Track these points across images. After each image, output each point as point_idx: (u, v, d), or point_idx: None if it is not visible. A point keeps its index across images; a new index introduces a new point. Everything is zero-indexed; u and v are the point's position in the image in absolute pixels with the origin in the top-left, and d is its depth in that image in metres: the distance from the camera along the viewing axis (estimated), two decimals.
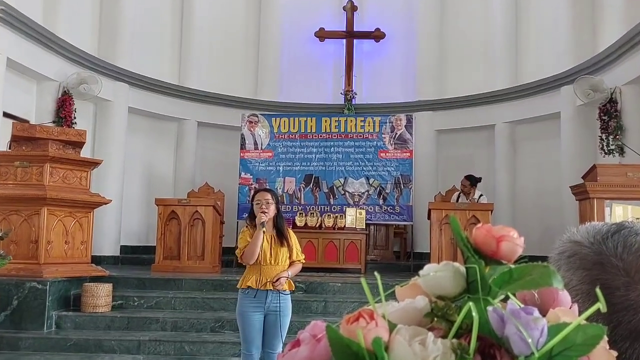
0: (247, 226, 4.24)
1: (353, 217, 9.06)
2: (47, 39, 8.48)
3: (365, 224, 9.21)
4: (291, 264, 4.20)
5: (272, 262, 4.10)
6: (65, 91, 8.89)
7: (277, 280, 4.04)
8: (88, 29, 9.79)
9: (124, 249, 10.04)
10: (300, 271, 4.39)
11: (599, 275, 0.75)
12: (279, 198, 4.36)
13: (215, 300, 6.85)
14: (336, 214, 9.25)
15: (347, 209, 9.34)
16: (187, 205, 8.52)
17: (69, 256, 6.68)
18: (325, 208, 9.75)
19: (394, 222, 10.19)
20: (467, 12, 11.24)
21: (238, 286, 4.19)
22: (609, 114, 8.25)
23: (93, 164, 7.13)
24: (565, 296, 0.54)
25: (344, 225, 8.99)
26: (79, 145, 6.92)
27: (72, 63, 9.07)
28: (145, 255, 9.63)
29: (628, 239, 0.77)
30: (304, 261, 4.32)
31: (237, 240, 4.32)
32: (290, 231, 4.31)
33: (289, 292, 4.18)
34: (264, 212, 4.07)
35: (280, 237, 4.17)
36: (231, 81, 11.39)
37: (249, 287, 4.09)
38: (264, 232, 4.04)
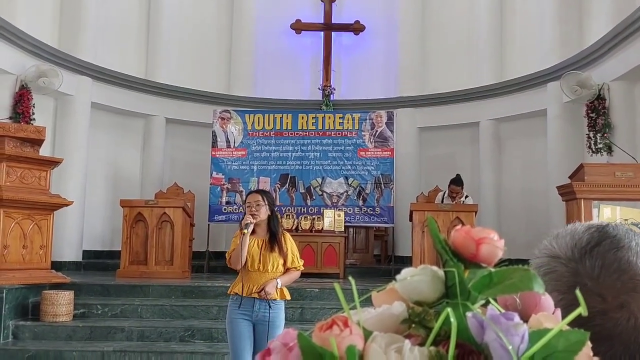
0: (240, 229, 4.19)
1: (331, 219, 9.07)
2: (4, 29, 8.33)
3: (344, 226, 9.23)
4: (287, 271, 4.14)
5: (261, 268, 4.03)
6: (23, 85, 8.75)
7: (262, 289, 3.98)
8: (48, 19, 9.65)
9: (87, 253, 9.91)
10: None
11: (574, 301, 0.76)
12: (274, 200, 4.31)
13: (184, 308, 6.81)
14: (313, 216, 9.25)
15: (325, 210, 9.35)
16: (155, 207, 8.45)
17: (27, 261, 6.58)
18: (302, 209, 9.75)
19: (374, 224, 10.23)
20: (451, 4, 11.34)
21: (228, 292, 4.15)
22: (597, 111, 8.37)
23: (53, 162, 7.03)
24: (547, 301, 0.55)
25: (322, 228, 9.00)
26: (37, 142, 6.82)
27: (31, 55, 8.93)
28: (110, 260, 9.53)
29: (608, 255, 0.76)
30: (301, 268, 4.23)
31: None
32: (288, 235, 4.25)
33: (281, 302, 4.10)
34: (252, 215, 4.04)
35: (273, 242, 4.10)
36: (202, 75, 11.33)
37: (235, 293, 4.05)
38: (243, 234, 3.99)
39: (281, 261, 4.10)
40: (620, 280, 0.74)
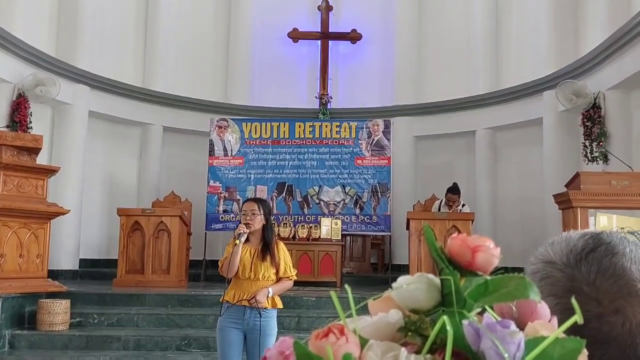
0: (234, 237, 4.18)
1: (328, 228, 9.06)
2: (1, 37, 8.34)
3: (341, 234, 9.22)
4: (279, 280, 4.12)
5: (252, 277, 4.02)
6: (20, 93, 8.74)
7: (252, 297, 3.96)
8: (45, 27, 9.66)
9: (84, 262, 9.88)
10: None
11: (570, 305, 0.75)
12: (271, 209, 4.29)
13: (181, 317, 6.78)
14: (310, 224, 9.23)
15: (321, 219, 9.33)
16: (152, 216, 8.43)
17: (23, 270, 6.55)
18: (299, 218, 9.74)
19: (371, 233, 10.21)
20: (447, 13, 11.38)
21: (221, 299, 4.14)
22: (593, 119, 8.40)
23: (50, 171, 7.02)
24: (544, 308, 0.55)
25: (319, 236, 8.99)
26: (34, 151, 6.81)
27: (28, 63, 8.93)
28: (106, 269, 9.49)
29: (603, 261, 0.77)
30: (294, 278, 4.22)
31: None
32: (281, 245, 4.22)
33: (272, 310, 4.08)
34: (247, 223, 4.03)
35: (265, 251, 4.08)
36: (199, 84, 11.34)
37: (227, 301, 4.03)
38: (235, 244, 3.99)
39: (273, 270, 4.08)
40: (616, 285, 0.75)
